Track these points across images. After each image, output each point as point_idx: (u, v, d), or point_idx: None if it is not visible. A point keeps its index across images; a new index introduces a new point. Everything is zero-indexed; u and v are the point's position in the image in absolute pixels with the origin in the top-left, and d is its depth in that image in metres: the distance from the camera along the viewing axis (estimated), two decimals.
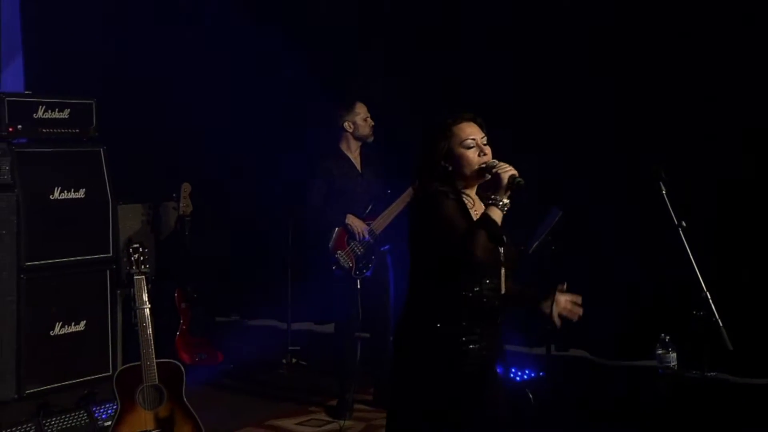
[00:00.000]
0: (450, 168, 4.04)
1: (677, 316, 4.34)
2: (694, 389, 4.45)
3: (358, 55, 8.54)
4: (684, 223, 4.30)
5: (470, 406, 3.99)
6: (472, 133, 4.04)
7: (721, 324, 4.01)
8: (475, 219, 4.00)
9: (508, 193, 3.91)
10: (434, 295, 4.03)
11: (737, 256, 6.58)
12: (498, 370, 4.39)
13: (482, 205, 4.06)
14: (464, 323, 3.98)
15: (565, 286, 4.11)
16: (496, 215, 3.91)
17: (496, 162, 3.98)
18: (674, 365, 5.13)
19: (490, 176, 3.99)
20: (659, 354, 5.25)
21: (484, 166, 3.99)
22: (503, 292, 4.07)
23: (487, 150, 4.03)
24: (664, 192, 4.39)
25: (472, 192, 4.10)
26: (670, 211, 4.32)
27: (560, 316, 4.06)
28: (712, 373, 4.37)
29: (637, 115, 7.19)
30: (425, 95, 7.90)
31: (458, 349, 3.97)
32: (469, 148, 4.02)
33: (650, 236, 4.73)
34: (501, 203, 3.92)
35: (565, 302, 4.07)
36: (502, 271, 4.06)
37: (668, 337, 5.19)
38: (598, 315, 7.12)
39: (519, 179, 3.90)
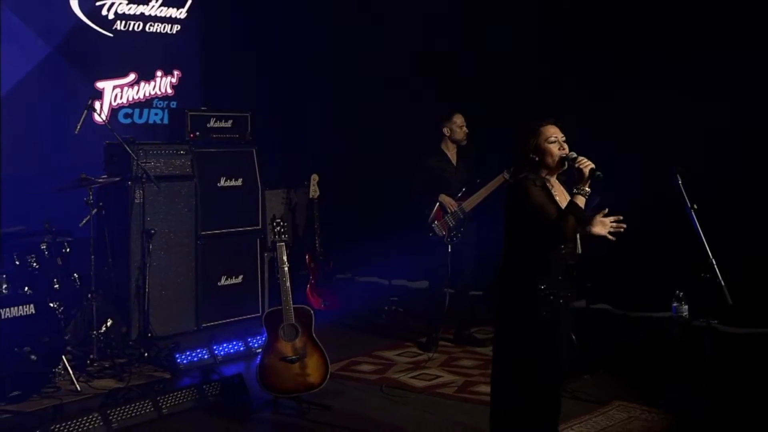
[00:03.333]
0: (537, 159, 3.99)
1: (689, 277, 4.26)
2: (700, 335, 4.38)
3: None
4: (695, 206, 4.21)
5: (551, 339, 3.98)
6: (554, 132, 3.99)
7: (723, 283, 3.95)
8: (555, 200, 3.96)
9: (588, 183, 3.86)
10: (526, 259, 3.98)
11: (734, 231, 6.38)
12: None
13: (561, 188, 4.03)
14: (550, 279, 3.94)
15: (606, 211, 3.96)
16: (581, 201, 3.87)
17: (575, 154, 3.92)
18: (686, 315, 5.03)
19: (567, 165, 3.93)
20: (675, 306, 5.14)
21: (564, 156, 3.94)
22: (579, 252, 4.00)
23: (566, 146, 3.98)
24: (680, 182, 4.29)
25: (553, 178, 4.04)
26: (685, 197, 4.24)
27: (610, 232, 3.92)
28: (714, 322, 4.29)
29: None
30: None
31: (546, 298, 3.93)
32: (552, 143, 3.97)
33: (670, 214, 4.63)
34: (583, 191, 3.86)
35: (609, 222, 3.93)
36: (577, 237, 3.97)
37: (682, 293, 5.10)
38: (623, 275, 7.07)
39: (598, 172, 3.84)
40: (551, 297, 3.93)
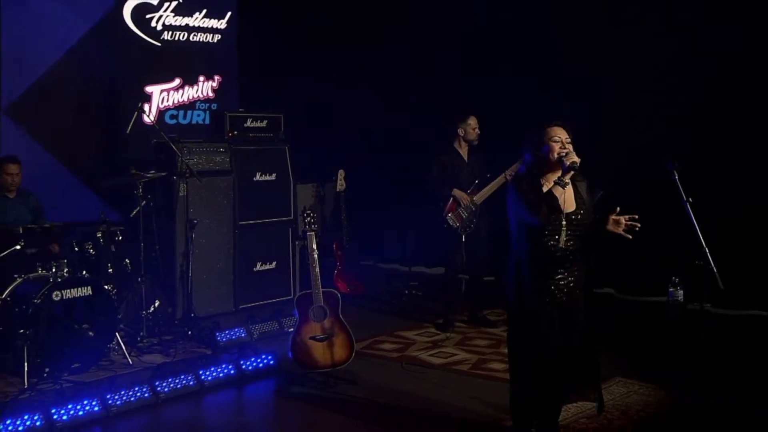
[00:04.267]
0: (539, 155, 4.00)
1: (684, 265, 4.24)
2: (695, 317, 4.36)
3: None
4: (690, 199, 4.18)
5: (540, 322, 3.98)
6: (559, 132, 3.98)
7: (715, 270, 3.93)
8: (539, 194, 3.94)
9: (567, 174, 3.87)
10: (519, 250, 4.01)
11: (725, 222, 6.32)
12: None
13: (560, 186, 3.98)
14: (538, 269, 3.96)
15: (618, 210, 3.95)
16: (557, 192, 3.87)
17: (568, 152, 3.92)
18: (681, 299, 4.99)
19: (563, 163, 3.92)
20: (671, 291, 5.10)
21: (561, 155, 3.93)
22: (563, 246, 3.96)
23: (569, 147, 3.95)
24: (677, 177, 4.26)
25: (552, 176, 3.98)
26: (681, 191, 4.21)
27: (625, 231, 3.91)
28: (708, 305, 4.26)
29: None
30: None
31: (544, 284, 3.96)
32: (555, 142, 3.96)
33: (669, 207, 4.60)
34: (561, 182, 3.87)
35: (624, 220, 3.91)
36: (562, 232, 3.94)
37: (678, 279, 5.06)
38: (625, 263, 7.01)
39: (575, 163, 3.84)
40: (543, 284, 3.95)
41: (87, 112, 7.88)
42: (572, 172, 3.87)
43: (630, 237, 3.87)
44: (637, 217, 3.88)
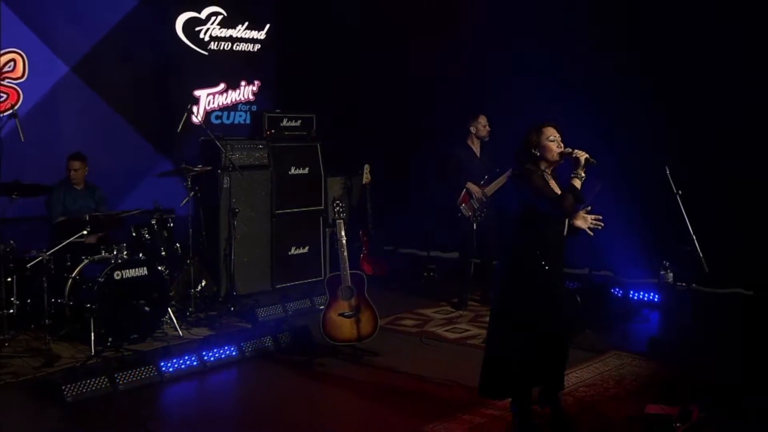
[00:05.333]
0: (538, 154, 3.97)
1: (674, 249, 4.23)
2: (684, 296, 4.36)
3: None
4: (680, 192, 4.20)
5: (550, 300, 3.98)
6: (553, 132, 3.96)
7: (701, 255, 3.95)
8: (552, 186, 3.92)
9: (584, 169, 3.85)
10: (529, 236, 3.97)
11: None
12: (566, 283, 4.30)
13: (553, 180, 3.98)
14: (547, 252, 3.94)
15: (589, 209, 3.96)
16: (578, 184, 3.86)
17: (573, 149, 3.90)
18: (671, 281, 4.97)
19: (564, 159, 3.88)
20: (662, 273, 5.08)
21: (564, 152, 3.91)
22: (565, 233, 3.99)
23: (562, 145, 3.94)
24: (668, 172, 4.29)
25: (549, 171, 4.01)
26: (672, 185, 4.23)
27: (590, 228, 3.94)
28: (694, 285, 4.26)
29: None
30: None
31: (545, 267, 3.93)
32: (551, 141, 3.95)
33: (660, 199, 4.57)
34: (579, 175, 3.86)
35: (590, 219, 3.94)
36: (566, 220, 3.97)
37: (668, 263, 5.04)
38: (621, 248, 6.95)
39: (592, 160, 3.84)
40: (547, 267, 3.93)
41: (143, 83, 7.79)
42: (585, 166, 3.84)
43: (591, 234, 3.87)
44: (601, 218, 3.89)
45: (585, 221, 3.94)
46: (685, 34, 6.53)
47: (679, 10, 6.46)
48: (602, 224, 3.92)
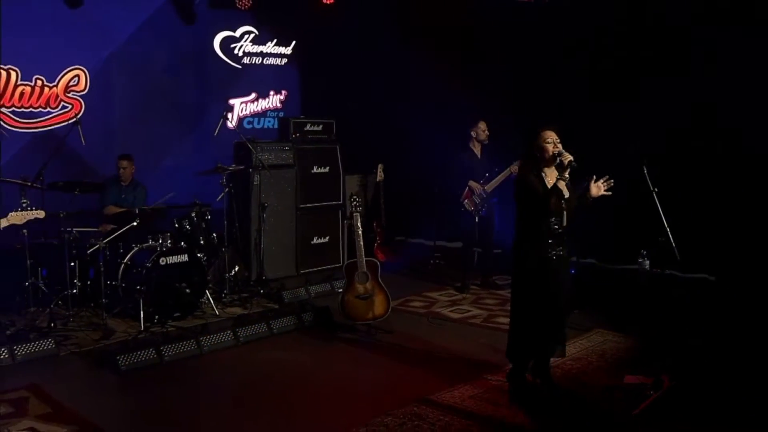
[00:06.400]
0: (537, 154, 3.99)
1: (651, 240, 4.23)
2: (659, 281, 4.36)
3: None
4: (656, 189, 4.18)
5: (552, 282, 4.01)
6: (551, 135, 3.97)
7: (674, 245, 3.98)
8: (546, 185, 3.95)
9: (567, 171, 3.87)
10: (530, 227, 4.00)
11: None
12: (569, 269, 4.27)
13: (553, 178, 4.00)
14: (543, 242, 3.97)
15: (594, 177, 3.93)
16: (561, 185, 3.89)
17: (563, 151, 3.89)
18: (648, 267, 4.95)
19: (558, 160, 3.90)
20: (640, 261, 5.05)
21: (555, 153, 3.92)
22: (565, 224, 4.00)
23: (559, 146, 3.93)
24: (645, 171, 4.26)
25: (549, 170, 4.01)
26: (648, 182, 4.20)
27: (606, 190, 3.92)
28: (668, 271, 4.26)
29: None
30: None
31: (545, 254, 3.97)
32: (548, 143, 3.95)
33: (637, 196, 4.56)
34: (564, 177, 3.89)
35: (601, 183, 3.91)
36: (564, 213, 3.99)
37: (645, 252, 5.02)
38: (605, 238, 6.92)
39: (574, 163, 3.84)
40: (544, 254, 3.98)
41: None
42: (569, 169, 3.86)
43: (610, 193, 3.84)
44: (609, 177, 3.86)
45: (599, 189, 3.94)
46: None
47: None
48: (612, 181, 3.88)
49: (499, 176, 6.59)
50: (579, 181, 4.01)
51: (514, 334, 4.18)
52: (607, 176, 3.89)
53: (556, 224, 3.98)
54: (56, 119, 6.98)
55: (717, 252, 6.17)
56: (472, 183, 6.70)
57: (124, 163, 6.50)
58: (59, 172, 6.08)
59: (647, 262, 4.98)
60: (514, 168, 6.28)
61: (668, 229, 4.07)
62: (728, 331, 5.07)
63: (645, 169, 4.27)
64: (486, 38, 7.78)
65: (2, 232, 4.60)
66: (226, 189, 6.48)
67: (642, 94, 6.57)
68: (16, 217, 4.50)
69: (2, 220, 4.42)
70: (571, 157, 3.86)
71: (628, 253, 6.18)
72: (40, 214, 4.64)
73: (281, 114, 8.74)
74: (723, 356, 4.66)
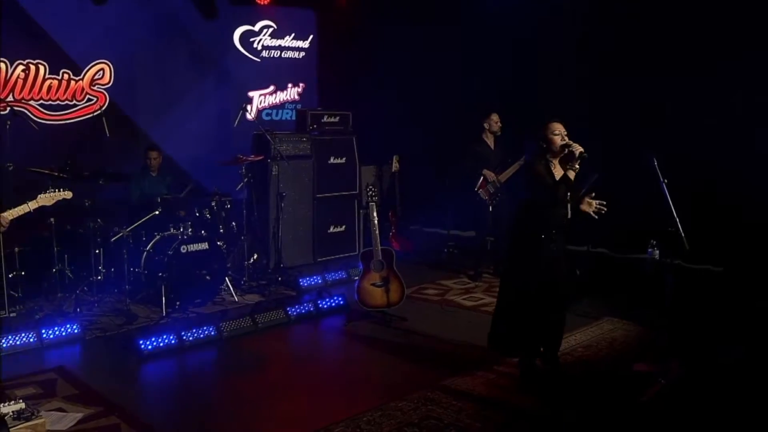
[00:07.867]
0: (545, 146, 3.99)
1: (661, 230, 4.21)
2: (668, 270, 4.34)
3: None
4: (666, 180, 4.16)
5: (550, 273, 4.01)
6: (558, 127, 3.97)
7: (683, 235, 3.96)
8: (554, 176, 3.94)
9: (578, 162, 3.86)
10: (533, 217, 4.00)
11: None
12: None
13: (560, 169, 3.99)
14: (549, 232, 3.97)
15: (593, 195, 3.95)
16: (571, 175, 3.87)
17: (572, 143, 3.89)
18: (657, 257, 4.94)
19: (567, 151, 3.88)
20: (650, 250, 5.05)
21: (563, 144, 3.91)
22: (569, 216, 4.00)
23: (566, 138, 3.94)
24: (656, 164, 4.26)
25: (556, 161, 4.01)
26: (659, 174, 4.21)
27: (594, 212, 3.96)
28: (677, 261, 4.25)
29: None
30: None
31: (546, 244, 3.96)
32: (556, 135, 3.95)
33: (650, 186, 4.53)
34: (573, 167, 3.87)
35: (595, 204, 3.95)
36: (568, 205, 3.98)
37: (655, 241, 5.01)
38: (616, 228, 6.88)
39: (584, 154, 3.83)
40: (546, 244, 3.97)
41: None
42: (580, 160, 3.84)
43: (596, 218, 3.87)
44: (605, 203, 3.88)
45: (590, 206, 3.95)
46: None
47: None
48: (605, 209, 3.92)
49: (513, 166, 6.56)
50: (585, 172, 3.97)
51: (501, 322, 4.15)
52: (604, 202, 3.89)
53: (561, 215, 3.97)
54: (82, 111, 7.05)
55: (723, 244, 6.12)
56: (485, 172, 6.68)
57: (154, 153, 6.51)
58: (84, 163, 6.11)
59: (657, 251, 4.94)
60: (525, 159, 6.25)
61: (678, 220, 4.01)
62: (736, 322, 5.03)
63: (655, 161, 4.23)
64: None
65: (32, 220, 4.64)
66: (246, 179, 6.49)
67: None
68: (45, 199, 4.54)
69: (31, 202, 4.47)
70: (581, 149, 3.85)
71: (638, 243, 6.06)
72: (68, 194, 4.67)
73: (299, 106, 8.73)
74: (730, 343, 4.62)
